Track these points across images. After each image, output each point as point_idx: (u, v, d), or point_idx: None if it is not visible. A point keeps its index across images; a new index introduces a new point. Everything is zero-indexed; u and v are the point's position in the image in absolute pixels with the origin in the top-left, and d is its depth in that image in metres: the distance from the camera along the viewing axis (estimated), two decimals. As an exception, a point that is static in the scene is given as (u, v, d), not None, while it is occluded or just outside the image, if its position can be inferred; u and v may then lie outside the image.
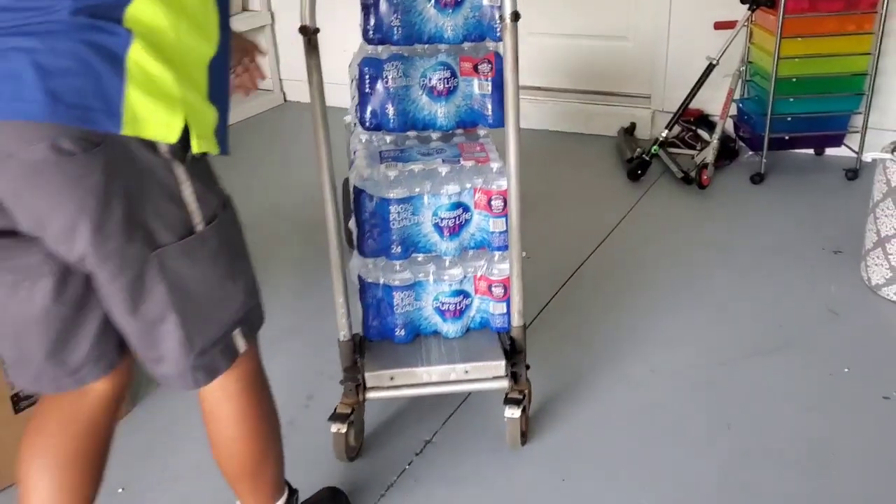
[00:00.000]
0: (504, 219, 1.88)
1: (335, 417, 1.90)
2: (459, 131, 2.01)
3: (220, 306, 1.28)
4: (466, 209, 1.89)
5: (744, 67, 3.47)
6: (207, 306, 1.26)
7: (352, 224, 1.93)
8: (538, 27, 4.04)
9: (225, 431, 1.42)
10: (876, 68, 3.20)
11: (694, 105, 3.46)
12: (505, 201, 1.86)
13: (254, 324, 1.38)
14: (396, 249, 1.88)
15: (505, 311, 1.96)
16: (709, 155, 3.32)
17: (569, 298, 2.63)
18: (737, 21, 3.33)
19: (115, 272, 1.15)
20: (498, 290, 1.94)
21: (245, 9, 4.56)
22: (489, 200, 1.87)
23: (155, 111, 1.06)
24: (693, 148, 3.59)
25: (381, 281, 1.91)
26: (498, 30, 1.80)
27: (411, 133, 1.98)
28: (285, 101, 4.71)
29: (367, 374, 1.90)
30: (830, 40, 3.20)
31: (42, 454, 1.37)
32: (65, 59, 1.00)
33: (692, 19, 3.63)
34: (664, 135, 3.41)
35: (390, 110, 1.86)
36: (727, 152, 3.48)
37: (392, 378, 1.91)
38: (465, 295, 1.96)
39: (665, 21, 3.70)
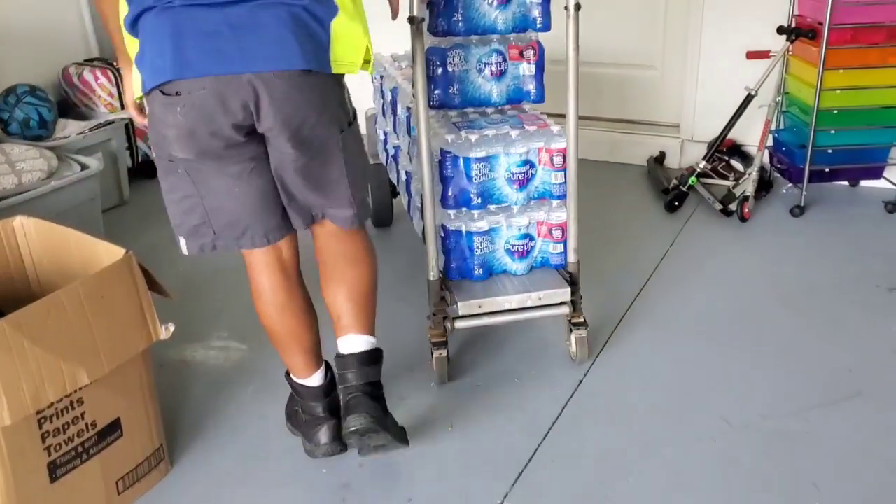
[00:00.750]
0: (563, 172, 2.30)
1: (436, 346, 2.29)
2: (508, 107, 2.44)
3: (363, 177, 1.96)
4: (532, 165, 2.29)
5: (780, 98, 3.38)
6: (359, 175, 1.91)
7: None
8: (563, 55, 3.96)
9: (354, 263, 1.96)
10: (917, 100, 3.14)
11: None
12: (564, 157, 2.28)
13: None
14: (476, 200, 2.28)
15: (562, 250, 2.36)
16: (749, 187, 3.23)
17: (623, 341, 2.51)
18: (770, 51, 3.25)
19: (319, 145, 1.78)
20: (557, 233, 2.35)
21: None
22: (551, 157, 2.29)
23: (349, 56, 1.71)
24: (726, 178, 3.51)
25: (463, 228, 2.28)
26: (538, 22, 2.27)
27: (469, 109, 2.39)
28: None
29: (459, 304, 2.27)
30: (872, 72, 3.12)
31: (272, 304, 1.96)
32: (301, 27, 1.63)
33: (723, 48, 3.56)
34: (702, 166, 3.32)
35: (453, 90, 2.30)
36: (763, 184, 3.40)
37: (480, 306, 2.28)
38: (531, 238, 2.35)
39: (695, 49, 3.62)
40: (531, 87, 2.36)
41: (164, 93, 1.63)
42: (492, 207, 2.31)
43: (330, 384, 2.01)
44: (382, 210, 3.20)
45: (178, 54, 1.59)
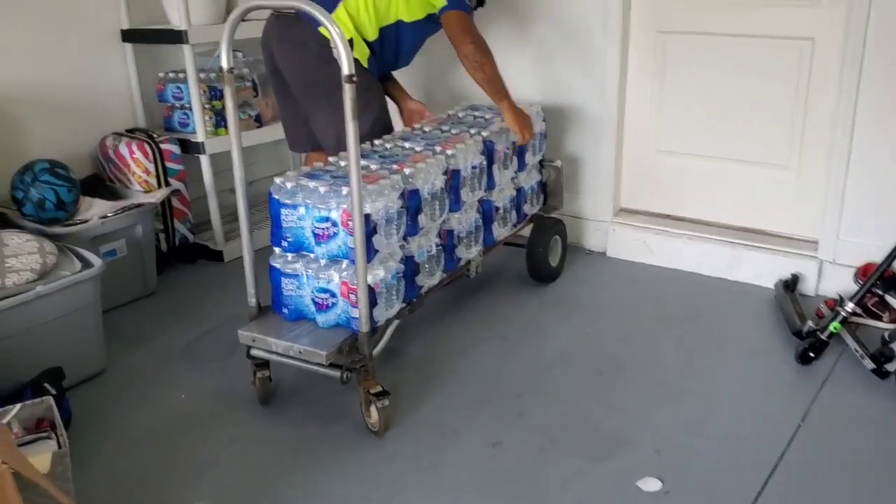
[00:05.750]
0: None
1: (257, 367, 2.45)
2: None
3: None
4: (334, 223, 2.23)
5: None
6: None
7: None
8: (675, 145, 3.31)
9: None
10: None
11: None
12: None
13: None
14: (285, 244, 2.33)
15: (357, 315, 2.25)
16: (911, 341, 2.46)
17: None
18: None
19: None
20: (353, 297, 2.23)
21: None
22: (349, 220, 2.17)
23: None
24: (878, 318, 2.74)
25: (277, 266, 2.34)
26: None
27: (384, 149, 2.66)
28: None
29: (239, 332, 2.35)
30: None
31: None
32: None
33: (882, 149, 2.81)
34: (849, 308, 2.57)
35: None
36: (929, 332, 2.60)
37: (254, 340, 2.33)
38: (332, 294, 2.28)
39: (844, 148, 2.88)
40: None
41: None
42: (308, 255, 2.32)
43: None
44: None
45: None
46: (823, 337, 2.54)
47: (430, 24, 2.84)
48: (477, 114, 3.04)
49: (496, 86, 2.80)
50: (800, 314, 2.77)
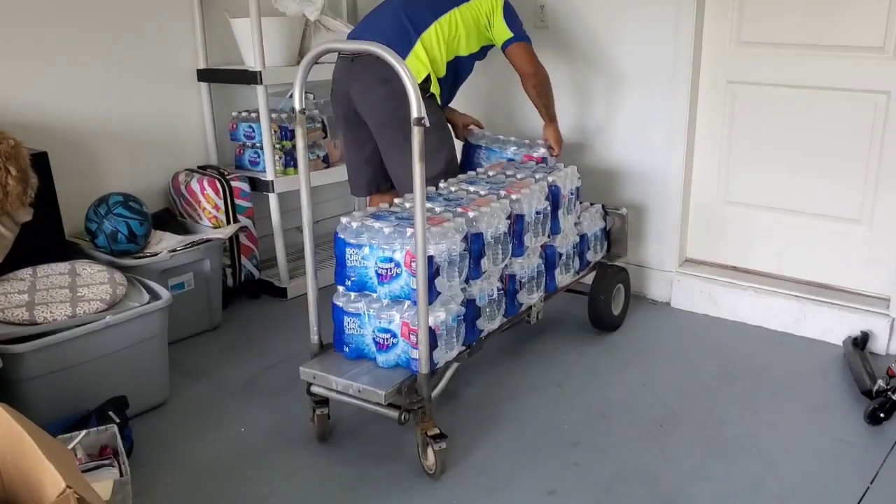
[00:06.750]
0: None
1: (316, 404, 2.45)
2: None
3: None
4: (397, 264, 2.25)
5: None
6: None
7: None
8: (744, 196, 3.26)
9: None
10: None
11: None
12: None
13: None
14: (349, 283, 2.35)
15: (417, 356, 2.25)
16: None
17: None
18: None
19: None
20: (414, 338, 2.24)
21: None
22: (412, 261, 2.19)
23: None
24: (953, 379, 2.64)
25: (339, 304, 2.37)
26: None
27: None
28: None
29: (300, 369, 2.36)
30: None
31: None
32: None
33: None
34: (922, 369, 2.49)
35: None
36: None
37: (314, 377, 2.35)
38: (392, 334, 2.30)
39: (919, 205, 2.81)
40: None
41: None
42: (371, 295, 2.34)
43: None
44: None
45: None
46: (895, 397, 2.46)
47: (480, 53, 3.01)
48: (542, 151, 3.13)
49: (551, 109, 3.11)
50: (869, 373, 2.68)
